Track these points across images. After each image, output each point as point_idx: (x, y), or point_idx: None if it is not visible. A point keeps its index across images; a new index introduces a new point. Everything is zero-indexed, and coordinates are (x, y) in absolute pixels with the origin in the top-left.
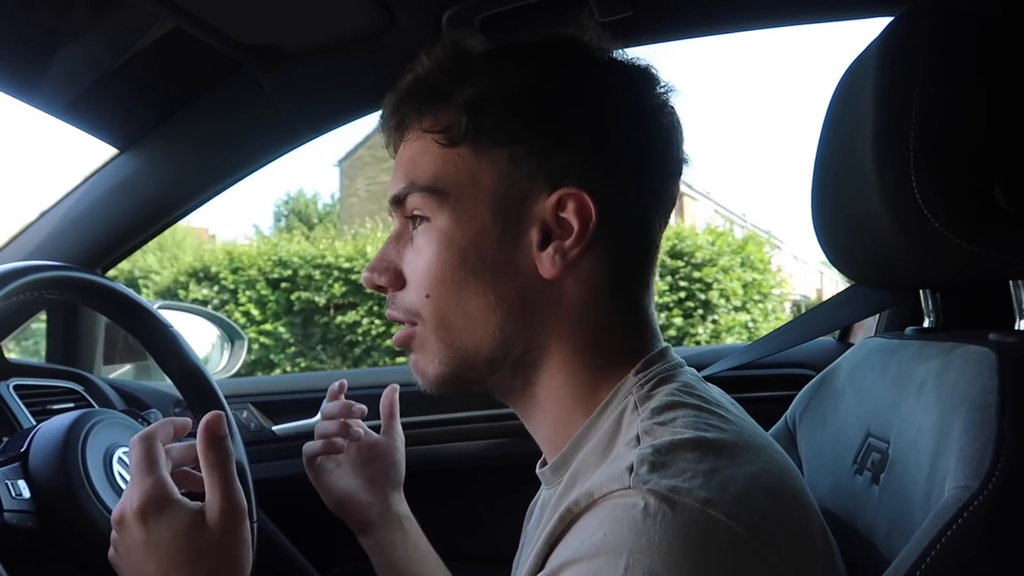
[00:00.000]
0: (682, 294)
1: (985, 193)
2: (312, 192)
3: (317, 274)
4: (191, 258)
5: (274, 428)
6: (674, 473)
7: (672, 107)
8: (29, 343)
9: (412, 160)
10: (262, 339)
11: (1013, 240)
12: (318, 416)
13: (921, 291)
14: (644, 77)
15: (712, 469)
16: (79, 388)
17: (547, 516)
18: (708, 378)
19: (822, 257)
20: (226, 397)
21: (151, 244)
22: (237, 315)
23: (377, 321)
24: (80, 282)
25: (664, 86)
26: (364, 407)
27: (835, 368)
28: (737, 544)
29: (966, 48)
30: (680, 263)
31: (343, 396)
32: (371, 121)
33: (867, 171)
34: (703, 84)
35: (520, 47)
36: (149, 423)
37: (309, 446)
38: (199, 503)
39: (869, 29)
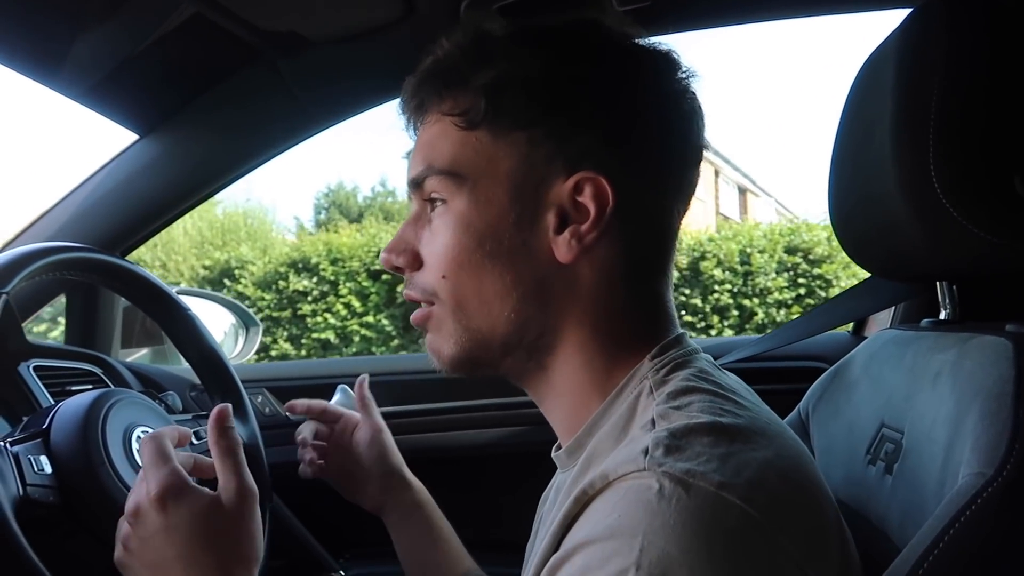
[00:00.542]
0: (801, 291)
1: (1004, 182)
2: (352, 184)
3: None
4: (288, 248)
5: (288, 413)
6: (689, 456)
7: (693, 93)
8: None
9: (431, 143)
10: (364, 331)
11: None
12: (332, 401)
13: (937, 283)
14: (665, 62)
15: (727, 453)
16: (97, 370)
17: (562, 498)
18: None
19: None
20: (242, 382)
21: (242, 234)
22: (339, 307)
23: None
24: (102, 264)
25: (685, 71)
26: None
27: (850, 360)
28: (751, 527)
29: (986, 36)
30: (797, 259)
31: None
32: None
33: (885, 161)
34: (768, 81)
35: (541, 30)
36: (167, 404)
37: (302, 471)
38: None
39: (890, 21)
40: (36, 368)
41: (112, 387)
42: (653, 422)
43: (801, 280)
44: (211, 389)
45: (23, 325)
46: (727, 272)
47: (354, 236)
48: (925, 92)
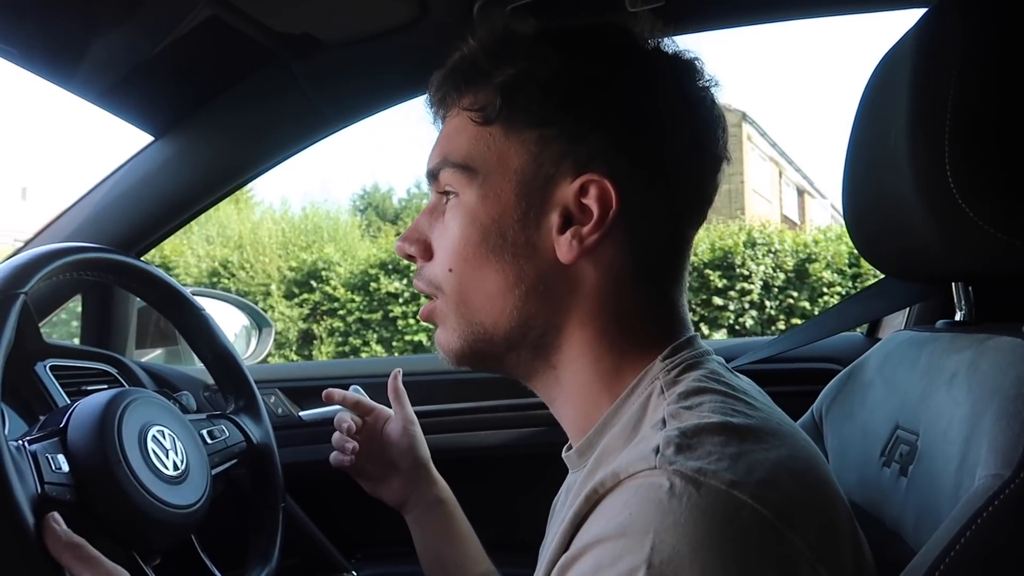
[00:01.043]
0: None
1: (1021, 182)
2: (387, 187)
3: None
4: (375, 249)
5: (301, 414)
6: (700, 455)
7: (713, 101)
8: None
9: (449, 137)
10: None
11: None
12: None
13: (953, 284)
14: (686, 69)
15: (738, 453)
16: (113, 370)
17: (572, 498)
18: (734, 370)
19: None
20: (255, 382)
21: (325, 235)
22: None
23: None
24: (117, 264)
25: (708, 80)
26: (352, 424)
27: (864, 361)
28: (763, 527)
29: (1002, 36)
30: None
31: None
32: None
33: (900, 160)
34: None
35: (564, 31)
36: (182, 404)
37: (334, 457)
38: None
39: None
40: (52, 368)
41: (127, 387)
42: (664, 421)
43: None
44: (224, 388)
45: (40, 326)
46: (836, 274)
47: None
48: (941, 91)
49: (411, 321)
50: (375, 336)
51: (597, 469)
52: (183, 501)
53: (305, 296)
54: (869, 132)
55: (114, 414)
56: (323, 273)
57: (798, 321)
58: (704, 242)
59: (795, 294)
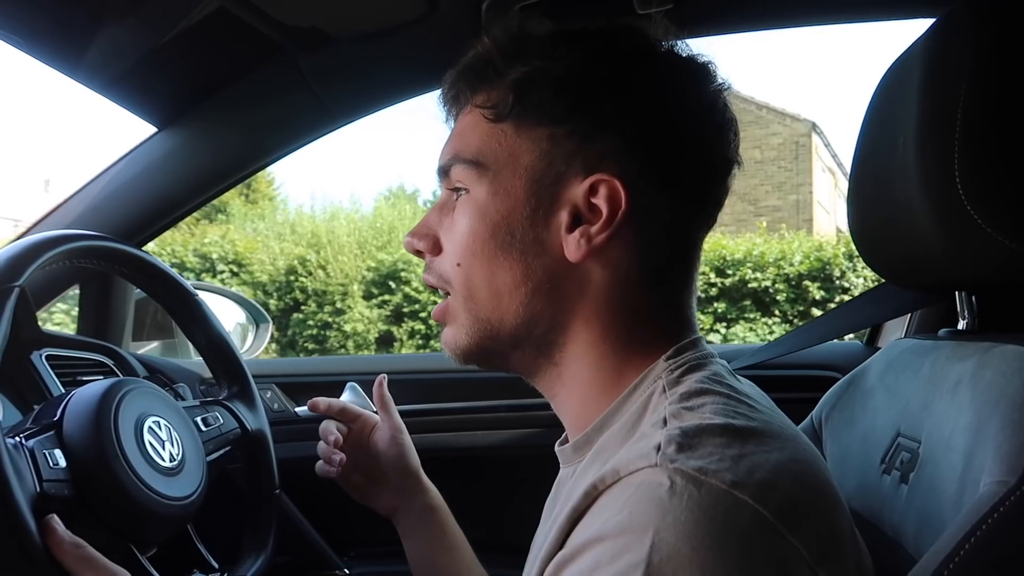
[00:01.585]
0: None
1: None
2: (412, 188)
3: None
4: None
5: (297, 409)
6: (701, 455)
7: (726, 104)
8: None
9: (461, 133)
10: None
11: None
12: (341, 398)
13: (956, 293)
14: (699, 71)
15: (740, 454)
16: (109, 361)
17: (566, 493)
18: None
19: None
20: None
21: (387, 235)
22: None
23: None
24: (113, 251)
25: (720, 83)
26: (338, 436)
27: (865, 368)
28: (763, 528)
29: (1013, 44)
30: None
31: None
32: None
33: (909, 167)
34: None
35: (579, 32)
36: (179, 394)
37: (319, 467)
38: None
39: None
40: (48, 357)
41: (123, 377)
42: (665, 420)
43: None
44: (218, 375)
45: (37, 314)
46: None
47: None
48: (951, 99)
49: None
50: None
51: (594, 465)
52: (180, 493)
53: (385, 297)
54: (878, 138)
55: (110, 406)
56: (403, 274)
57: None
58: (798, 253)
59: None
